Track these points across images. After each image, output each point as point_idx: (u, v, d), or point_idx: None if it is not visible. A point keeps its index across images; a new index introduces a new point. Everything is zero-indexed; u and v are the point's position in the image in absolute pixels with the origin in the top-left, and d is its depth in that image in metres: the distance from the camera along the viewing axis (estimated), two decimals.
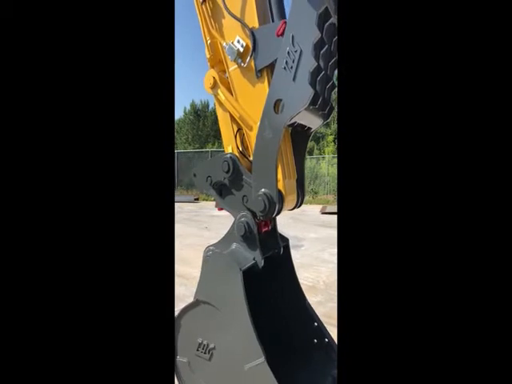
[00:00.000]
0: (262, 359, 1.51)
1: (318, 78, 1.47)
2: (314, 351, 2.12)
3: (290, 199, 1.75)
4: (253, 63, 1.61)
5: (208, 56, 1.82)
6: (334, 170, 18.61)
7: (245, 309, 1.57)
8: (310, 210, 12.66)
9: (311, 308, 2.19)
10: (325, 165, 19.08)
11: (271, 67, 1.55)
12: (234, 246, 1.73)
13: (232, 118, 1.82)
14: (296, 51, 1.41)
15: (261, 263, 1.68)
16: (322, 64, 1.47)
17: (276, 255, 1.93)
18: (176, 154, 19.99)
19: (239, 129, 1.82)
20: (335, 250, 7.02)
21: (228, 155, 1.71)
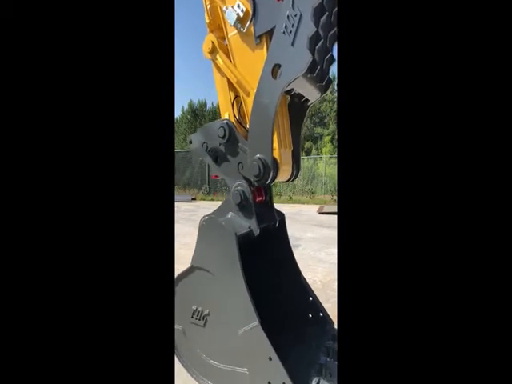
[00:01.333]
0: (256, 323, 1.51)
1: (317, 47, 1.45)
2: (308, 325, 2.12)
3: (285, 169, 1.75)
4: (252, 29, 1.60)
5: (207, 21, 1.81)
6: (331, 170, 18.63)
7: (240, 273, 1.57)
8: (308, 209, 12.67)
9: (306, 283, 2.19)
10: (322, 165, 19.09)
11: (270, 33, 1.54)
12: (229, 214, 1.74)
13: (229, 84, 1.81)
14: (296, 15, 1.39)
15: (256, 231, 1.68)
16: (321, 33, 1.46)
17: (272, 228, 1.93)
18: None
19: (236, 96, 1.81)
20: (332, 250, 7.04)
21: (224, 121, 1.71)
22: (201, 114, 30.65)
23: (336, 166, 19.13)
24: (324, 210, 11.75)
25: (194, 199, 17.73)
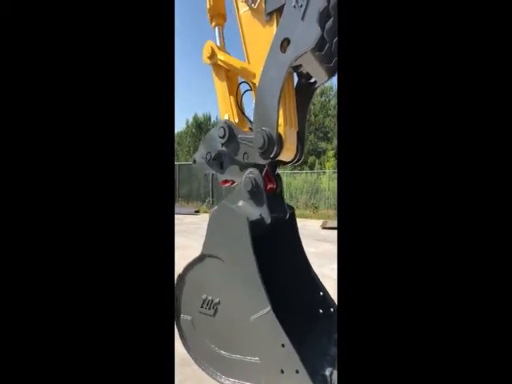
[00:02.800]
0: (269, 308, 1.46)
1: (327, 24, 1.43)
2: (318, 319, 2.07)
3: (290, 148, 1.73)
4: (263, 4, 1.61)
5: (208, 6, 1.83)
6: (334, 185, 18.59)
7: (251, 257, 1.52)
8: (311, 224, 12.58)
9: (317, 277, 2.15)
10: (325, 179, 19.10)
11: (280, 11, 1.53)
12: (240, 202, 1.72)
13: (229, 88, 1.86)
14: None
15: (267, 219, 1.64)
16: (331, 11, 1.44)
17: (282, 219, 1.90)
18: (177, 166, 20.07)
19: (241, 82, 1.85)
20: (335, 266, 6.92)
21: (223, 122, 1.75)
22: (205, 128, 31.03)
23: None
24: (327, 225, 11.66)
25: (197, 212, 17.73)
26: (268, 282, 1.55)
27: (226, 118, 1.83)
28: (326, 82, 1.85)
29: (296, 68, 1.75)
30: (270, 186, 1.81)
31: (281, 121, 1.63)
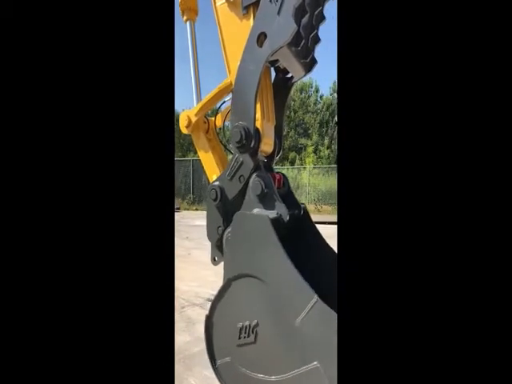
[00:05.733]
0: (315, 297, 1.31)
1: (303, 20, 1.45)
2: None
3: (267, 142, 1.72)
4: None
5: (180, 0, 1.81)
6: (314, 180, 18.85)
7: (281, 253, 1.39)
8: None
9: None
10: (306, 175, 19.32)
11: (257, 4, 1.52)
12: (255, 210, 1.59)
13: (214, 155, 1.90)
14: None
15: (286, 217, 1.53)
16: (307, 8, 1.45)
17: (297, 216, 1.81)
18: None
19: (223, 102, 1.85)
20: None
21: (212, 185, 1.70)
22: None
23: (319, 176, 19.41)
24: None
25: (178, 209, 17.53)
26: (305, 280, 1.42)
27: (215, 178, 1.80)
28: (302, 77, 1.87)
29: (273, 63, 1.75)
30: (277, 184, 1.76)
31: (258, 115, 1.62)
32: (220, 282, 1.62)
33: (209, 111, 2.00)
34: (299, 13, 1.42)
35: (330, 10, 1.69)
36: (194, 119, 1.91)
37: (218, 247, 1.76)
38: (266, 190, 1.56)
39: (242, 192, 1.63)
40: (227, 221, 1.70)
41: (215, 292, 1.65)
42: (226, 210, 1.71)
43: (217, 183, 1.69)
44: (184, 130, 1.92)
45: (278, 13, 1.40)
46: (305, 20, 1.48)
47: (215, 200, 1.68)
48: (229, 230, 1.67)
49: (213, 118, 1.99)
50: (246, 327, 1.53)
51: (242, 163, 1.59)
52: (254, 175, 1.60)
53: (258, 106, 1.62)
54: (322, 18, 1.63)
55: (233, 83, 1.61)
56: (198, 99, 2.01)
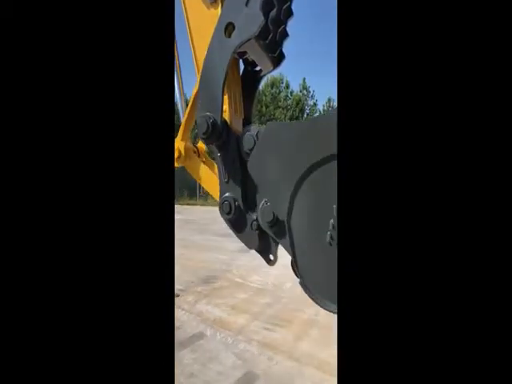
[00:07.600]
0: None
1: (271, 14, 1.45)
2: None
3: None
4: None
5: None
6: None
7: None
8: None
9: None
10: None
11: None
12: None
13: (212, 170, 1.85)
14: None
15: None
16: (275, 1, 1.45)
17: None
18: None
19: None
20: (281, 252, 7.03)
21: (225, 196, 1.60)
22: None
23: None
24: None
25: None
26: None
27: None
28: (271, 71, 1.87)
29: (241, 55, 1.74)
30: None
31: (226, 107, 1.61)
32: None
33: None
34: (267, 6, 1.42)
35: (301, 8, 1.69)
36: (182, 148, 1.87)
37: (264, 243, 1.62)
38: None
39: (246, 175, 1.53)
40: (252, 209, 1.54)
41: None
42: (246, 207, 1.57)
43: (227, 194, 1.58)
44: (176, 163, 1.89)
45: (246, 4, 1.40)
46: (273, 14, 1.48)
47: (229, 213, 1.56)
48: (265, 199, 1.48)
49: (200, 144, 1.98)
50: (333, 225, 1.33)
51: (224, 157, 1.55)
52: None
53: (226, 97, 1.60)
54: (290, 13, 1.63)
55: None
56: (184, 113, 2.00)
